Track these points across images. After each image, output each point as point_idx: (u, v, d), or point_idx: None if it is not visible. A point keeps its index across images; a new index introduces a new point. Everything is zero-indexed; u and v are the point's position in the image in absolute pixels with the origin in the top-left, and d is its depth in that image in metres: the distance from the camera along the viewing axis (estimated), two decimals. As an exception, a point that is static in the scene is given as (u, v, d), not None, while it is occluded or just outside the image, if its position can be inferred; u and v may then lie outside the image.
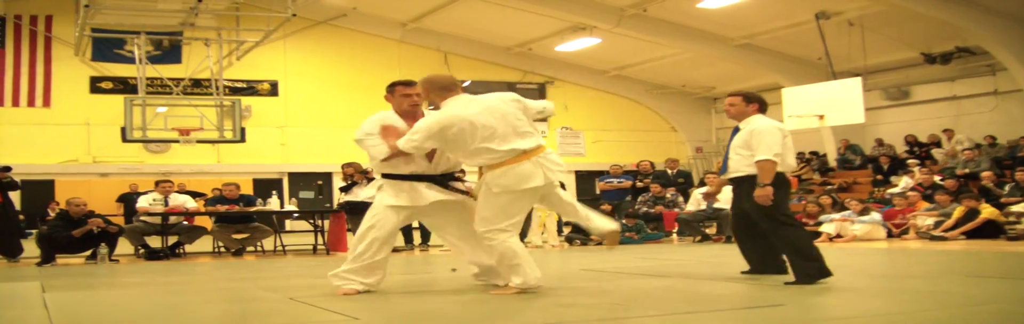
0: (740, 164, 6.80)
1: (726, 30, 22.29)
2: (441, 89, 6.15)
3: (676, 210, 15.41)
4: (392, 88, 6.54)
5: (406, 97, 6.47)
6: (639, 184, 16.43)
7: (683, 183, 16.99)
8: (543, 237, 14.58)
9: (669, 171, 17.21)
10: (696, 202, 14.81)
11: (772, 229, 6.65)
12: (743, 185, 6.80)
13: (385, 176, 6.32)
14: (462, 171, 6.80)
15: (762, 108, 7.04)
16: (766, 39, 22.37)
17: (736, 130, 7.01)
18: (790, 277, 6.49)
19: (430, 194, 6.23)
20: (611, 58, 25.61)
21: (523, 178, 5.83)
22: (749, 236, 7.15)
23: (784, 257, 6.77)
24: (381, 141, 6.17)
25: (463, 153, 5.96)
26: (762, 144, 6.69)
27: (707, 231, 14.98)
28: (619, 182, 16.65)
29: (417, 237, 14.55)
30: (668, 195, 15.87)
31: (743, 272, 7.22)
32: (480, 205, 5.98)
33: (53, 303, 6.26)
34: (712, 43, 22.83)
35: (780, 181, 6.67)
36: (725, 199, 14.55)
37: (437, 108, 6.15)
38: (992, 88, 20.80)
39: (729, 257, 10.19)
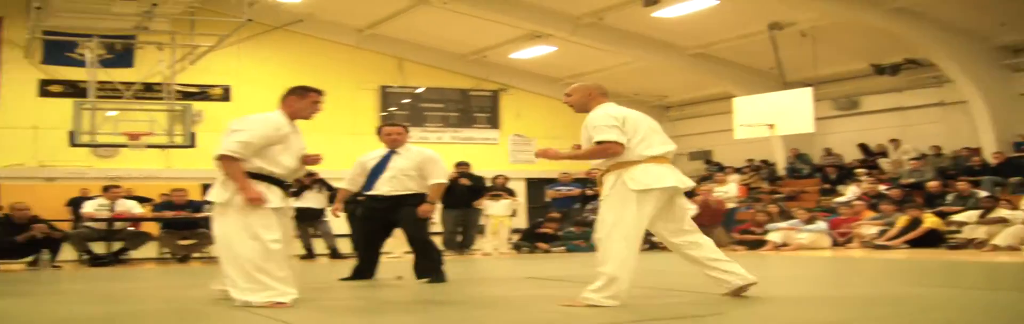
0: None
1: (680, 39, 22.44)
2: (603, 94, 6.23)
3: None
4: (306, 93, 6.58)
5: (316, 105, 6.59)
6: (589, 192, 16.47)
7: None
8: (494, 244, 14.62)
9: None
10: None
11: None
12: None
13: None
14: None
15: None
16: (720, 49, 22.54)
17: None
18: None
19: None
20: (565, 66, 25.69)
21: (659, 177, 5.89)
22: None
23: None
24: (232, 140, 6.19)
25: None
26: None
27: (654, 239, 15.05)
28: (569, 190, 16.71)
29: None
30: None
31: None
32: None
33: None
34: (666, 52, 22.96)
35: None
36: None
37: (586, 111, 6.17)
38: (938, 99, 21.07)
39: (675, 265, 10.27)
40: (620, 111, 6.00)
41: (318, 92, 6.60)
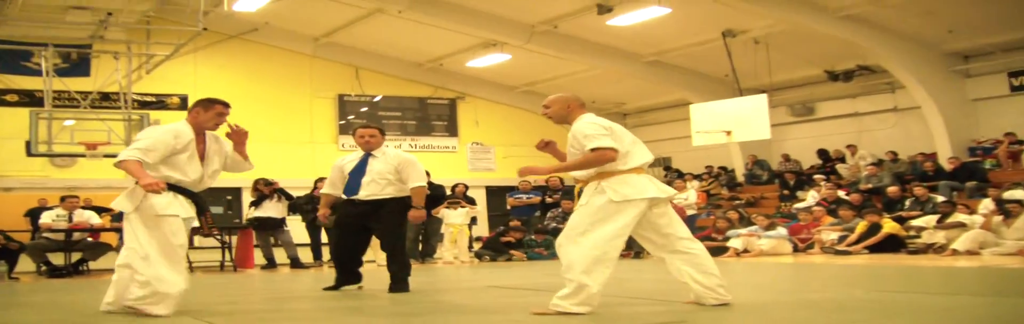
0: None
1: (636, 47, 22.58)
2: (581, 105, 6.24)
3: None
4: (211, 105, 6.62)
5: (220, 116, 6.63)
6: (549, 199, 16.51)
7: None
8: (454, 253, 14.62)
9: (578, 187, 17.33)
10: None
11: None
12: None
13: None
14: None
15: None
16: (675, 56, 22.70)
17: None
18: None
19: None
20: (522, 74, 25.77)
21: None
22: None
23: None
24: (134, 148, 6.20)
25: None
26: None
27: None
28: (528, 198, 16.73)
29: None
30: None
31: None
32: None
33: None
34: (622, 60, 23.08)
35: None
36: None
37: (566, 122, 6.20)
38: (892, 105, 21.35)
39: (634, 273, 10.32)
40: (606, 121, 6.02)
41: (224, 104, 6.67)
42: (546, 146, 6.43)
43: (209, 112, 6.57)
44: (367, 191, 8.10)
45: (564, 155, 6.34)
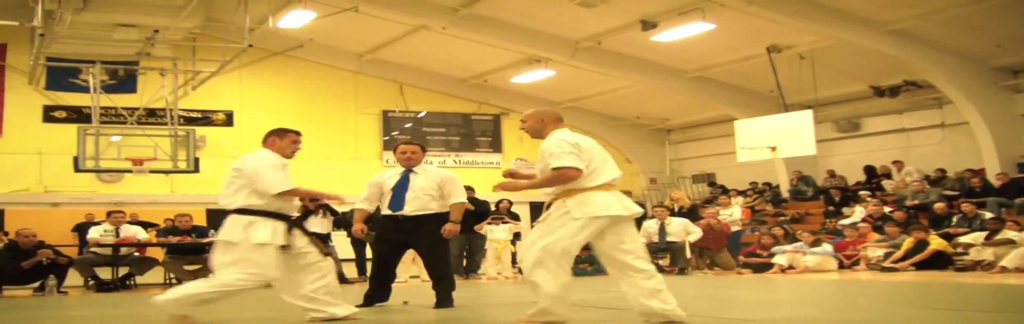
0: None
1: (679, 63, 22.51)
2: (556, 120, 6.31)
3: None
4: (285, 134, 6.93)
5: (296, 144, 6.95)
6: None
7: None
8: (497, 268, 14.61)
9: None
10: (648, 234, 14.86)
11: None
12: None
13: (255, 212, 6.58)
14: None
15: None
16: (719, 72, 22.60)
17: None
18: None
19: None
20: (566, 90, 25.76)
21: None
22: None
23: None
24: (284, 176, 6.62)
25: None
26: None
27: (660, 263, 15.04)
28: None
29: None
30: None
31: None
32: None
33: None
34: (665, 76, 23.01)
35: None
36: (676, 231, 14.73)
37: (541, 137, 6.25)
38: (939, 121, 21.13)
39: (679, 289, 10.26)
40: (574, 137, 6.05)
41: (297, 133, 6.99)
42: (512, 176, 6.47)
43: (284, 140, 6.90)
44: (412, 206, 8.12)
45: (532, 175, 6.38)
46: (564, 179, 5.83)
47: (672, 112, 26.70)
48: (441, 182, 8.21)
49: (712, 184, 26.14)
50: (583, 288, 11.02)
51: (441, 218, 8.13)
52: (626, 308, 5.90)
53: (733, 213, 16.42)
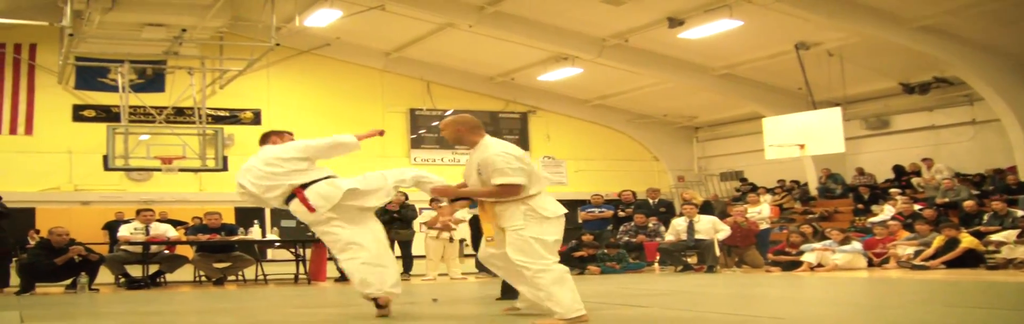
0: None
1: (707, 60, 22.42)
2: (473, 128, 6.53)
3: (657, 240, 15.42)
4: (282, 134, 7.40)
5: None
6: (621, 214, 16.45)
7: (665, 212, 17.05)
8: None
9: (651, 200, 17.27)
10: (676, 232, 14.82)
11: None
12: None
13: None
14: None
15: None
16: (747, 69, 22.50)
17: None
18: None
19: None
20: (593, 87, 25.73)
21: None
22: None
23: None
24: None
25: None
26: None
27: (689, 261, 14.99)
28: (601, 211, 16.69)
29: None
30: (650, 224, 15.90)
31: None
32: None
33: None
34: (693, 73, 22.94)
35: None
36: (705, 229, 14.68)
37: (469, 146, 6.52)
38: (970, 118, 20.96)
39: (709, 287, 10.23)
40: (518, 150, 6.34)
41: (291, 133, 7.45)
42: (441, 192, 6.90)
43: (284, 140, 7.25)
44: None
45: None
46: (511, 194, 6.13)
47: (700, 109, 26.62)
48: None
49: (743, 180, 25.95)
50: (613, 285, 10.99)
51: None
52: (655, 305, 5.88)
53: (761, 211, 16.31)
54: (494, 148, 6.21)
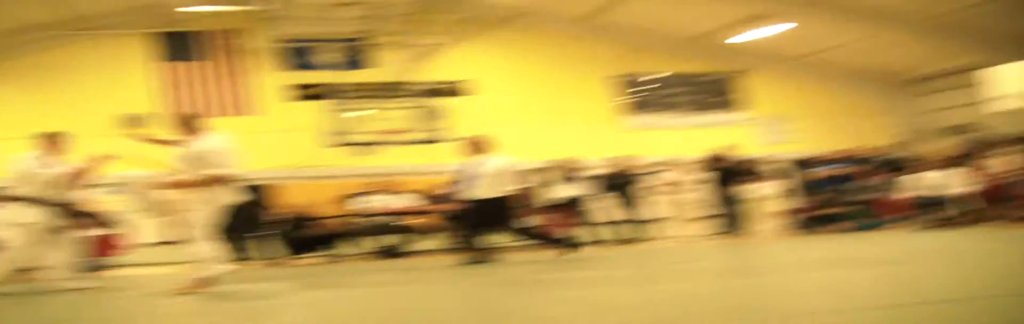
0: None
1: (922, 7, 21.41)
2: (188, 120, 7.83)
3: (890, 196, 15.03)
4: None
5: None
6: (851, 171, 16.06)
7: (896, 168, 16.57)
8: (762, 226, 14.44)
9: (880, 157, 16.80)
10: (929, 186, 14.37)
11: None
12: None
13: None
14: None
15: None
16: (967, 16, 21.36)
17: None
18: None
19: None
20: (804, 44, 24.93)
21: None
22: None
23: None
24: None
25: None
26: None
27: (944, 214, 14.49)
28: (831, 169, 16.34)
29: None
30: (882, 181, 15.48)
31: None
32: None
33: (318, 302, 6.45)
34: (907, 23, 22.00)
35: None
36: (951, 183, 14.18)
37: (193, 135, 7.71)
38: None
39: (968, 243, 9.79)
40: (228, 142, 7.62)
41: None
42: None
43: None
44: None
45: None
46: (220, 183, 7.39)
47: (922, 60, 25.47)
48: None
49: (972, 134, 24.61)
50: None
51: None
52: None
53: (1005, 163, 15.64)
54: (213, 140, 7.79)
